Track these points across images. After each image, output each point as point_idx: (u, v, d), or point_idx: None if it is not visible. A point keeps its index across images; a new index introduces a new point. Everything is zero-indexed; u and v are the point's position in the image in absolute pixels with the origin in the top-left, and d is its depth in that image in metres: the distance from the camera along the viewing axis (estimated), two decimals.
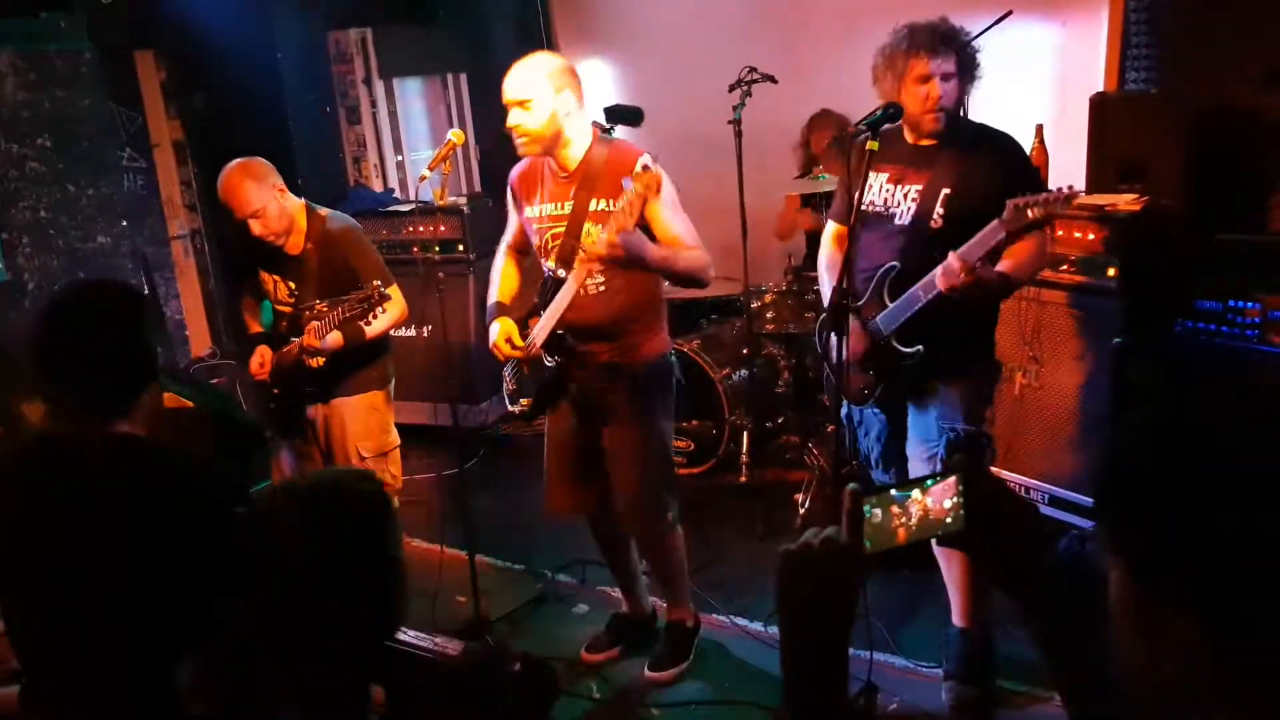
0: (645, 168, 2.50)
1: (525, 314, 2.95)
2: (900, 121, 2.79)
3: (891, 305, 2.74)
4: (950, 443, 2.70)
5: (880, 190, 2.82)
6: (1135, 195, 3.44)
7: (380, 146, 5.96)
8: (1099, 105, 3.70)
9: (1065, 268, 3.45)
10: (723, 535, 3.94)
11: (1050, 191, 2.45)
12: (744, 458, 4.35)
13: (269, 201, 3.10)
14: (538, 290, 2.93)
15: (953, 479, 1.13)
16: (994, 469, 3.58)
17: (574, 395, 2.93)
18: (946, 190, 2.69)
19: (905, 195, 2.76)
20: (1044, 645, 1.13)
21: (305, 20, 5.60)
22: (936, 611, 3.13)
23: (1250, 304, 3.08)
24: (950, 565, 2.89)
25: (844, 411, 2.92)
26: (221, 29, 5.25)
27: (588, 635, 3.31)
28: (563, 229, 2.78)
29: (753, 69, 3.87)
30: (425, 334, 4.77)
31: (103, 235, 5.27)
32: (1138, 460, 0.86)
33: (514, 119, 2.69)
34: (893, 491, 1.11)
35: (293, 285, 3.27)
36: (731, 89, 3.87)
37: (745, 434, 4.37)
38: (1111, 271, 3.34)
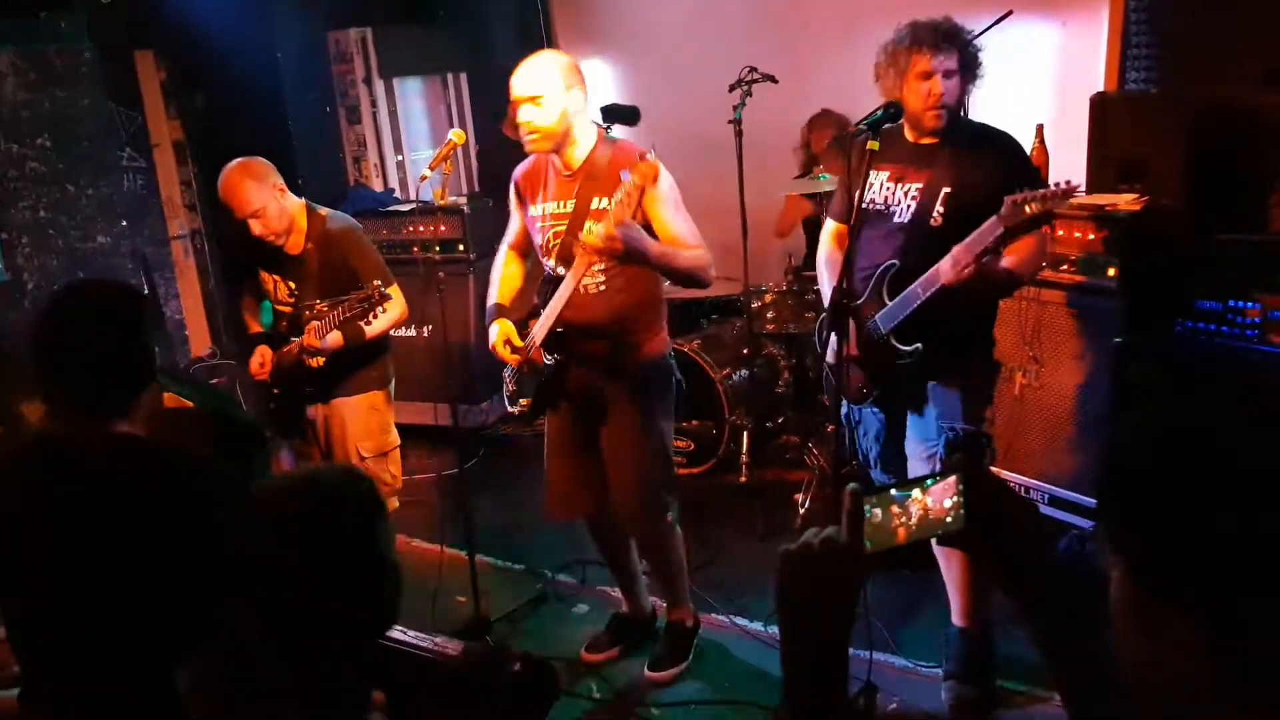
0: (642, 157, 2.51)
1: (525, 316, 2.94)
2: (901, 120, 2.79)
3: (890, 303, 2.74)
4: (950, 442, 2.70)
5: (881, 188, 2.83)
6: (1135, 195, 3.44)
7: (380, 146, 5.96)
8: (1099, 105, 3.70)
9: (1065, 267, 3.45)
10: (723, 535, 3.94)
11: (1049, 188, 2.46)
12: (744, 458, 4.35)
13: (269, 201, 3.10)
14: (537, 291, 2.93)
15: (953, 478, 1.13)
16: (994, 469, 3.58)
17: (573, 395, 2.93)
18: (947, 189, 2.69)
19: (905, 193, 2.77)
20: (1044, 645, 1.13)
21: (305, 20, 5.60)
22: (936, 611, 3.13)
23: (1250, 304, 3.08)
24: (950, 565, 2.89)
25: (843, 411, 2.92)
26: (221, 29, 5.25)
27: (587, 635, 3.31)
28: (565, 227, 2.78)
29: (753, 69, 3.87)
30: (425, 334, 4.77)
31: (103, 235, 5.27)
32: (1138, 460, 0.86)
33: (525, 115, 2.68)
34: (893, 491, 1.11)
35: (293, 285, 3.27)
36: (732, 89, 3.87)
37: (745, 434, 4.37)
38: (1112, 271, 3.34)
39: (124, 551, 1.65)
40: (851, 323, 2.76)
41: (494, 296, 3.00)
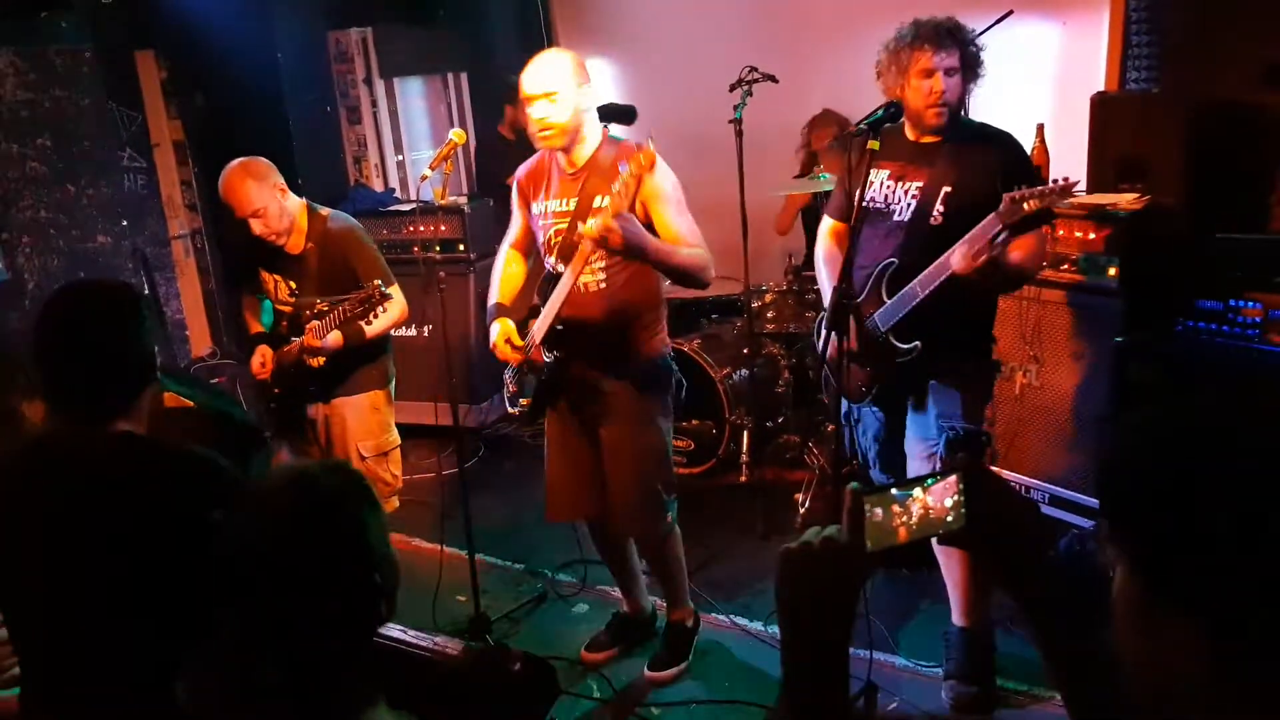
0: (639, 146, 2.51)
1: (525, 316, 2.94)
2: (901, 119, 2.80)
3: (889, 302, 2.74)
4: (951, 441, 2.70)
5: (881, 187, 2.83)
6: (1136, 194, 3.44)
7: (381, 146, 5.96)
8: (1100, 104, 3.70)
9: (1066, 267, 3.45)
10: (723, 535, 3.93)
11: (1047, 185, 2.46)
12: (744, 457, 4.36)
13: (270, 201, 3.10)
14: (538, 289, 2.93)
15: (953, 478, 1.13)
16: (994, 468, 3.58)
17: (573, 394, 2.92)
18: (947, 188, 2.70)
19: (906, 192, 2.77)
20: (1044, 645, 1.13)
21: (305, 20, 5.61)
22: (936, 611, 3.13)
23: (1251, 303, 3.08)
24: (950, 564, 2.89)
25: (843, 410, 2.92)
26: (222, 29, 5.25)
27: (587, 635, 3.31)
28: (566, 225, 2.78)
29: (753, 68, 3.87)
30: (426, 333, 4.77)
31: (103, 235, 5.27)
32: (1138, 460, 0.86)
33: (540, 111, 2.69)
34: (893, 490, 1.11)
35: (293, 285, 3.27)
36: (732, 88, 3.86)
37: (745, 433, 4.37)
38: (1112, 271, 3.34)
39: (124, 550, 1.65)
40: (851, 320, 2.76)
41: (495, 296, 3.00)
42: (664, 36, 5.51)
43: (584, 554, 3.54)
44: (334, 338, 3.11)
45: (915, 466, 2.84)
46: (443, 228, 4.96)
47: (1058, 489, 3.54)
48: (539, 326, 2.83)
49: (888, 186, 2.82)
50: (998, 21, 3.13)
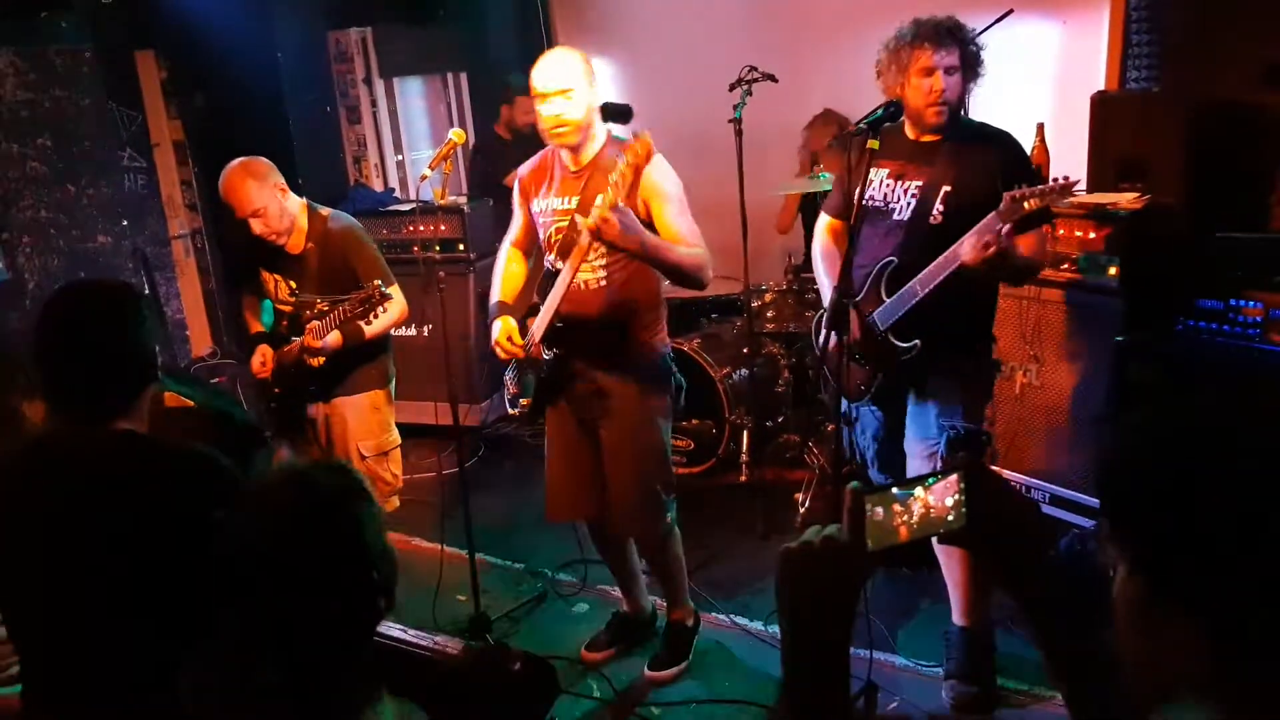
0: (635, 135, 2.51)
1: (525, 314, 2.94)
2: (901, 119, 2.80)
3: (889, 300, 2.75)
4: (952, 440, 2.71)
5: (880, 185, 2.83)
6: (1136, 194, 3.44)
7: (380, 146, 5.96)
8: (1100, 104, 3.70)
9: (1066, 266, 3.45)
10: (723, 534, 3.93)
11: (1047, 184, 2.46)
12: (744, 457, 4.36)
13: (270, 200, 3.10)
14: (537, 288, 2.93)
15: (954, 477, 1.13)
16: (995, 468, 3.58)
17: (573, 393, 2.92)
18: (947, 187, 2.70)
19: (905, 191, 2.77)
20: (1045, 644, 1.13)
21: (305, 20, 5.61)
22: (937, 610, 3.13)
23: (1252, 303, 3.07)
24: (951, 564, 2.89)
25: (842, 409, 2.92)
26: (222, 29, 5.25)
27: (588, 634, 3.31)
28: (568, 223, 2.78)
29: (753, 68, 3.87)
30: (426, 333, 4.77)
31: (103, 235, 5.27)
32: (1138, 460, 0.86)
33: (555, 108, 2.69)
34: (894, 489, 1.11)
35: (293, 284, 3.27)
36: (732, 88, 3.86)
37: (745, 433, 4.37)
38: (1112, 270, 3.34)
39: (125, 549, 1.65)
40: (853, 316, 2.76)
41: (497, 294, 3.00)
42: (663, 36, 5.51)
43: (584, 554, 3.54)
44: (333, 338, 3.11)
45: (915, 466, 2.84)
46: (442, 227, 4.96)
47: (1058, 488, 3.54)
48: (538, 324, 2.83)
49: (887, 185, 2.82)
50: (998, 20, 3.12)
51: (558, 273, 2.77)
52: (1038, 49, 4.56)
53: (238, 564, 1.29)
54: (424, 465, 4.53)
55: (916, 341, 2.73)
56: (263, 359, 3.30)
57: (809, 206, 4.70)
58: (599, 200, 2.62)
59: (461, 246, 5.01)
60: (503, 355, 2.89)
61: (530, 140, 5.39)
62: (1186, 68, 3.75)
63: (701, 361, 4.34)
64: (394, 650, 1.86)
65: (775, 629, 3.16)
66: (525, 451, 4.73)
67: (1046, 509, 3.54)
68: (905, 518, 1.11)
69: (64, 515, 1.67)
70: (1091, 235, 3.40)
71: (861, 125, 2.69)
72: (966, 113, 2.97)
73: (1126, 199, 3.41)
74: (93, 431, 1.74)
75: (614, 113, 3.41)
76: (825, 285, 3.01)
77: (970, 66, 2.70)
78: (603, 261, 2.77)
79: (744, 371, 4.42)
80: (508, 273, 3.04)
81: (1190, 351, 3.18)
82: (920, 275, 2.65)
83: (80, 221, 5.15)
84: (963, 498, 1.13)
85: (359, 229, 3.30)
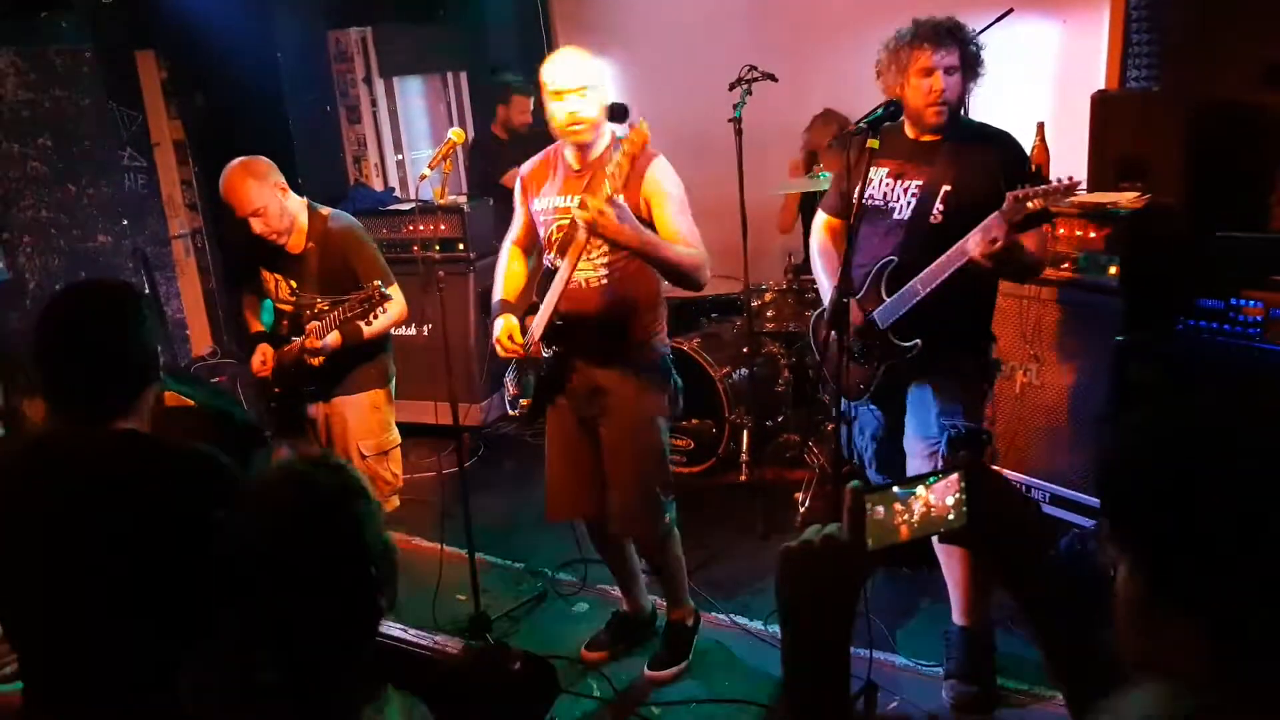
0: (631, 125, 2.51)
1: (526, 312, 2.94)
2: (901, 118, 2.79)
3: (889, 300, 2.75)
4: (953, 439, 2.71)
5: (880, 185, 2.83)
6: (1136, 193, 3.44)
7: (380, 145, 5.96)
8: (1100, 103, 3.70)
9: (1066, 266, 3.45)
10: (723, 534, 3.93)
11: (1050, 184, 2.46)
12: (744, 456, 4.35)
13: (270, 200, 3.10)
14: (536, 287, 2.93)
15: (955, 476, 1.13)
16: (995, 467, 3.57)
17: (572, 392, 2.92)
18: (947, 187, 2.70)
19: (905, 190, 2.77)
20: (1045, 644, 1.13)
21: (305, 20, 5.61)
22: (937, 610, 3.13)
23: (1252, 302, 3.07)
24: (951, 563, 2.89)
25: (842, 407, 2.92)
26: (222, 28, 5.25)
27: (588, 634, 3.31)
28: (569, 221, 2.78)
29: (753, 67, 3.87)
30: (425, 333, 4.77)
31: (103, 235, 5.27)
32: (1139, 460, 0.86)
33: (572, 106, 2.68)
34: (895, 488, 1.11)
35: (294, 284, 3.27)
36: (731, 87, 3.86)
37: (745, 433, 4.37)
38: (1113, 270, 3.34)
39: (125, 549, 1.65)
40: (854, 309, 2.76)
41: (499, 293, 3.00)
42: (663, 35, 5.51)
43: (584, 553, 3.54)
44: (333, 338, 3.11)
45: (916, 465, 2.84)
46: (442, 227, 4.96)
47: (1058, 488, 3.54)
48: (537, 322, 2.83)
49: (887, 184, 2.82)
50: (998, 20, 3.13)
51: (555, 269, 2.77)
52: (1038, 48, 4.56)
53: (238, 564, 1.29)
54: (424, 465, 4.54)
55: (917, 341, 2.73)
56: (263, 358, 3.30)
57: (810, 206, 4.70)
58: (589, 184, 2.62)
59: (461, 246, 5.01)
60: (502, 354, 2.89)
61: (527, 140, 5.42)
62: (1187, 67, 3.75)
63: (701, 361, 4.34)
64: (394, 650, 1.85)
65: (775, 629, 3.16)
66: (525, 451, 4.73)
67: (1047, 509, 3.54)
68: (906, 517, 1.11)
69: (64, 515, 1.67)
70: (1092, 235, 3.40)
71: (861, 125, 2.69)
72: (967, 112, 2.97)
73: (1127, 198, 3.41)
74: (93, 431, 1.74)
75: (612, 112, 3.41)
76: (824, 283, 3.01)
77: (970, 66, 2.70)
78: (604, 260, 2.77)
79: (744, 371, 4.42)
80: (509, 271, 3.04)
81: (1190, 351, 3.18)
82: (921, 274, 2.65)
83: (80, 221, 5.15)
84: (963, 497, 1.13)
85: (359, 229, 3.30)
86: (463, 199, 5.19)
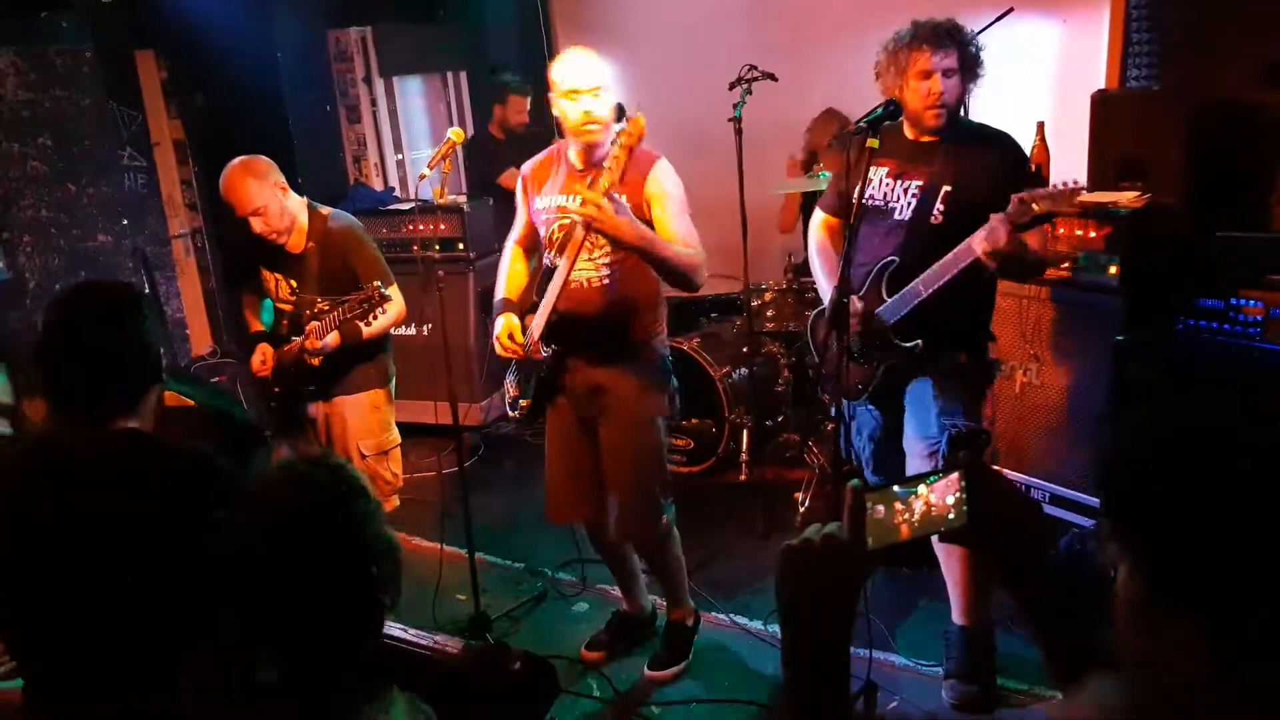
0: (628, 118, 2.51)
1: (527, 311, 2.94)
2: (901, 117, 2.79)
3: (890, 300, 2.75)
4: (953, 438, 2.71)
5: (880, 185, 2.83)
6: (1136, 193, 3.44)
7: (380, 145, 5.96)
8: (1100, 103, 3.70)
9: (1066, 265, 3.45)
10: (723, 534, 3.93)
11: (1055, 186, 2.46)
12: (744, 456, 4.35)
13: (270, 199, 3.10)
14: (536, 287, 2.93)
15: (955, 475, 1.13)
16: (995, 467, 3.57)
17: (572, 392, 2.92)
18: (947, 187, 2.70)
19: (905, 191, 2.77)
20: (1045, 644, 1.13)
21: (305, 19, 5.60)
22: (936, 609, 3.13)
23: (1252, 302, 3.07)
24: (951, 563, 2.89)
25: (837, 406, 2.92)
26: (222, 28, 5.24)
27: (588, 633, 3.31)
28: (569, 220, 2.78)
29: (753, 67, 3.87)
30: (425, 332, 4.77)
31: (103, 234, 5.27)
32: (1139, 460, 0.86)
33: (587, 105, 2.68)
34: (895, 487, 1.11)
35: (294, 283, 3.27)
36: (732, 87, 3.86)
37: (745, 432, 4.37)
38: (1113, 269, 3.34)
39: (125, 549, 1.65)
40: (855, 304, 2.76)
41: (501, 292, 3.00)
42: (663, 35, 5.51)
43: (584, 553, 3.54)
44: (332, 338, 3.11)
45: (915, 465, 2.83)
46: (442, 226, 4.96)
47: (1058, 488, 3.54)
48: (536, 321, 2.83)
49: (887, 184, 2.82)
50: (998, 19, 3.12)
51: (555, 268, 2.77)
52: (1038, 48, 4.56)
53: (238, 564, 1.29)
54: (424, 464, 4.54)
55: (918, 341, 2.73)
56: (263, 358, 3.30)
57: (811, 206, 4.69)
58: (591, 184, 2.61)
59: (461, 245, 5.01)
60: (501, 354, 2.89)
61: (524, 140, 5.42)
62: (1187, 67, 3.75)
63: (701, 360, 4.34)
64: (394, 649, 1.86)
65: (775, 628, 3.16)
66: (525, 451, 4.73)
67: (1047, 508, 3.54)
68: (906, 516, 1.11)
69: (64, 514, 1.67)
70: (1092, 234, 3.40)
71: (861, 124, 2.69)
72: (967, 113, 2.97)
73: (1127, 198, 3.41)
74: (93, 431, 1.74)
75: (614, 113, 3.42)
76: (822, 282, 3.01)
77: (969, 68, 2.70)
78: (605, 260, 2.77)
79: (744, 371, 4.42)
80: (512, 271, 3.03)
81: (1190, 351, 3.18)
82: (924, 275, 2.65)
83: (80, 221, 5.15)
84: (964, 496, 1.13)
85: (359, 229, 3.30)
86: (462, 199, 5.19)
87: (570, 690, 3.03)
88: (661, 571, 3.16)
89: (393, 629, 1.89)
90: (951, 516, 1.13)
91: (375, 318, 3.05)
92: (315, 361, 3.16)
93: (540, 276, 2.92)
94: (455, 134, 3.09)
